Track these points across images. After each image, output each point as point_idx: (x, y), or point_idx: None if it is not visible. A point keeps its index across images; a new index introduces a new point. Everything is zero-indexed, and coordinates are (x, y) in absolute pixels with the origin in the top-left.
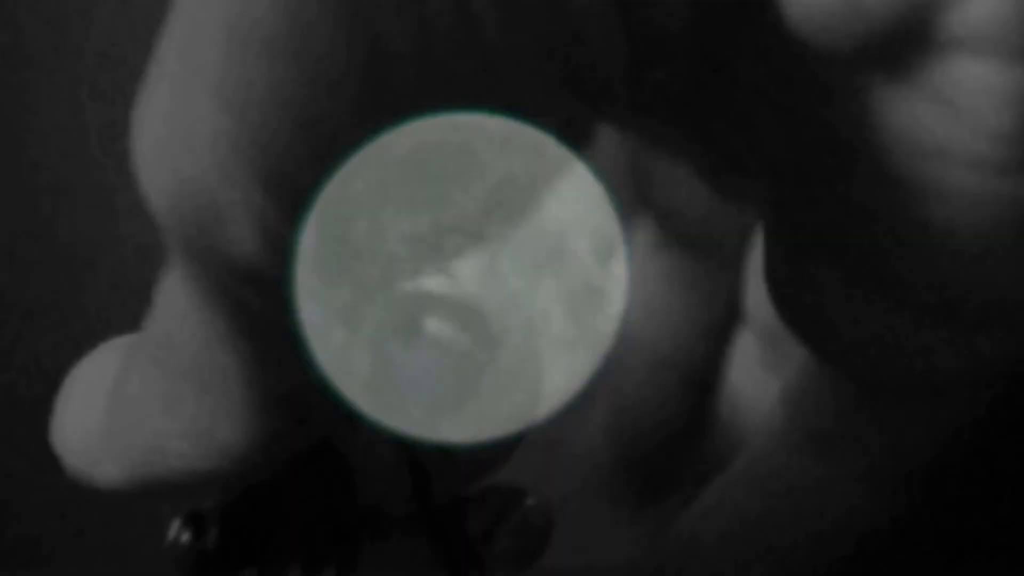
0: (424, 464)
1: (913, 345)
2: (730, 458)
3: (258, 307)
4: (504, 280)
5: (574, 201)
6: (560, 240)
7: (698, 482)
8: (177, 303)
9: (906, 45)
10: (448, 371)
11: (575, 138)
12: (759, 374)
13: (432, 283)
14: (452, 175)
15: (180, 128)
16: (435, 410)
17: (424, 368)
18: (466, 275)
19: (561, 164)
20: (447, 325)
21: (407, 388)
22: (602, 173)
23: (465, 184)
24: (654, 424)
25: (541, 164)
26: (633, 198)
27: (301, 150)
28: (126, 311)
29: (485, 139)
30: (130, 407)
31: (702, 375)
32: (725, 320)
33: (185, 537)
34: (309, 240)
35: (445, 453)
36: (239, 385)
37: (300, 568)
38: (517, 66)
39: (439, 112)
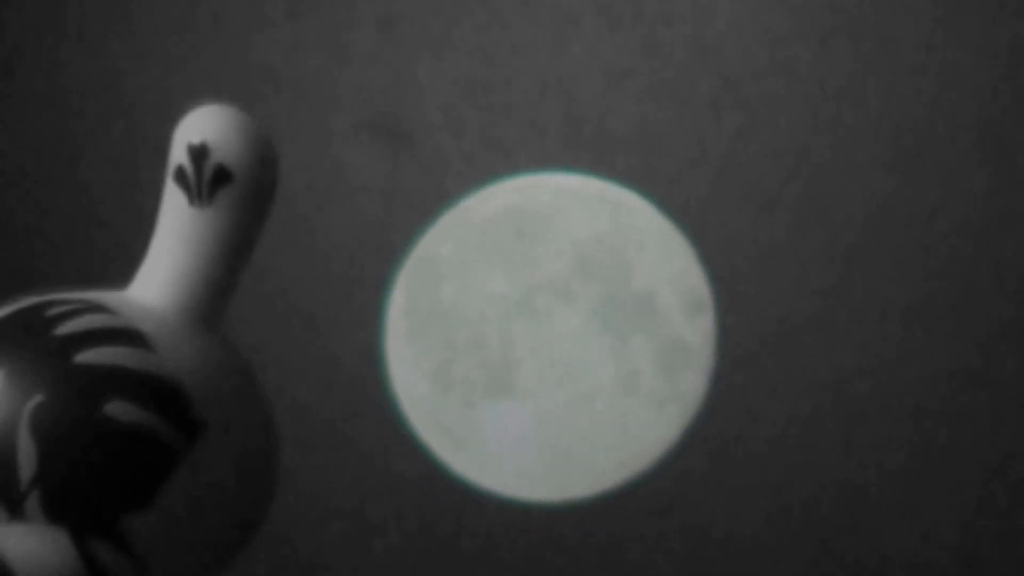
0: None
1: None
2: None
3: None
4: (595, 338)
5: (662, 258)
6: (649, 297)
7: None
8: None
9: None
10: (538, 428)
11: None
12: None
13: (521, 343)
14: (540, 235)
15: None
16: (526, 467)
17: (515, 426)
18: (556, 334)
19: (648, 222)
20: (534, 384)
21: (498, 446)
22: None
23: (554, 243)
24: None
25: (629, 222)
26: None
27: None
28: None
29: (572, 198)
30: None
31: None
32: None
33: None
34: (398, 304)
35: None
36: None
37: None
38: None
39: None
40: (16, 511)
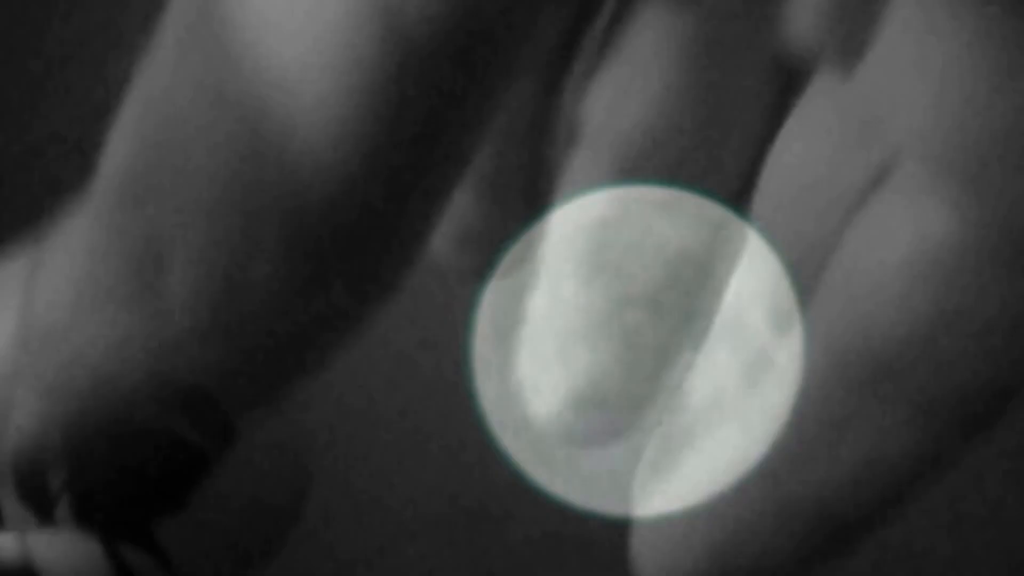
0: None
1: None
2: None
3: None
4: (681, 354)
5: (749, 272)
6: (736, 312)
7: None
8: None
9: None
10: (626, 444)
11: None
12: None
13: (609, 357)
14: (629, 248)
15: None
16: (613, 483)
17: (602, 441)
18: (644, 348)
19: (736, 235)
20: (624, 399)
21: (586, 461)
22: None
23: (642, 257)
24: None
25: (716, 235)
26: None
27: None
28: None
29: (661, 211)
30: (49, 311)
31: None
32: None
33: None
34: (486, 315)
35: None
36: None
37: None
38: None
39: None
40: (47, 517)
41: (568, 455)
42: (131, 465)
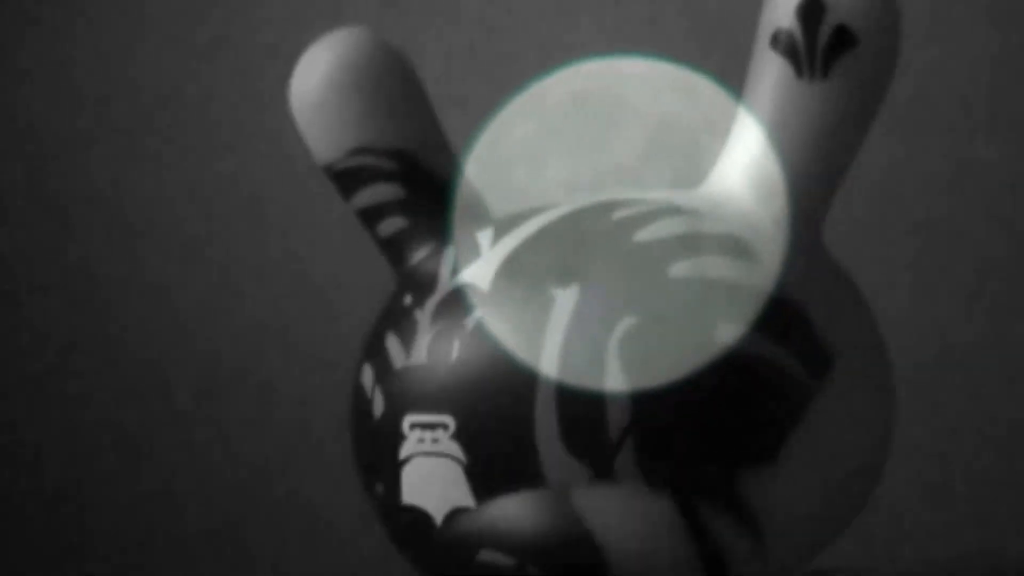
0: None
1: None
2: None
3: None
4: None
5: (733, 141)
6: (720, 181)
7: None
8: None
9: None
10: (609, 313)
11: None
12: None
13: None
14: (609, 121)
15: None
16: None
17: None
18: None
19: (717, 105)
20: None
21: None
22: None
23: (622, 129)
24: None
25: (698, 106)
26: None
27: None
28: None
29: (641, 84)
30: None
31: None
32: None
33: None
34: (468, 184)
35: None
36: None
37: None
38: None
39: None
40: (604, 469)
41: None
42: (713, 402)
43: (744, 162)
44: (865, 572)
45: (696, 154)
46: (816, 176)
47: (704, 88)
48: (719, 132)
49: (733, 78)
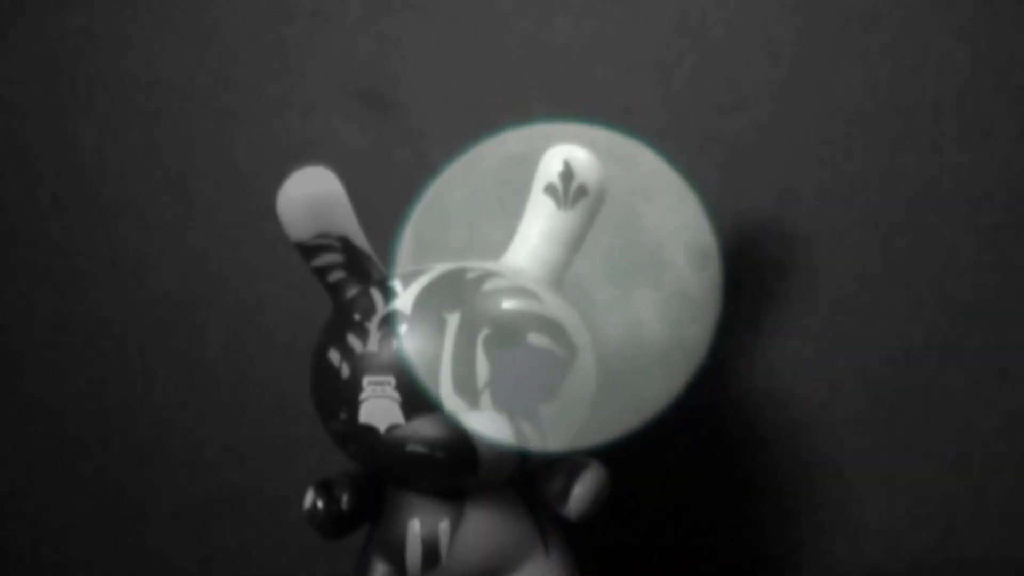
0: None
1: None
2: None
3: None
4: (601, 288)
5: (670, 211)
6: (657, 250)
7: None
8: None
9: None
10: (545, 376)
11: None
12: None
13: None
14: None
15: None
16: (536, 413)
17: (523, 373)
18: (564, 282)
19: (657, 175)
20: (541, 337)
21: (505, 391)
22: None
23: None
24: None
25: (637, 175)
26: None
27: None
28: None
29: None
30: None
31: None
32: None
33: (320, 503)
34: (407, 244)
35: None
36: None
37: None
38: None
39: None
40: (475, 403)
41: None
42: (526, 369)
43: (524, 249)
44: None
45: (631, 218)
46: (556, 260)
47: (641, 155)
48: (653, 197)
49: (706, 84)
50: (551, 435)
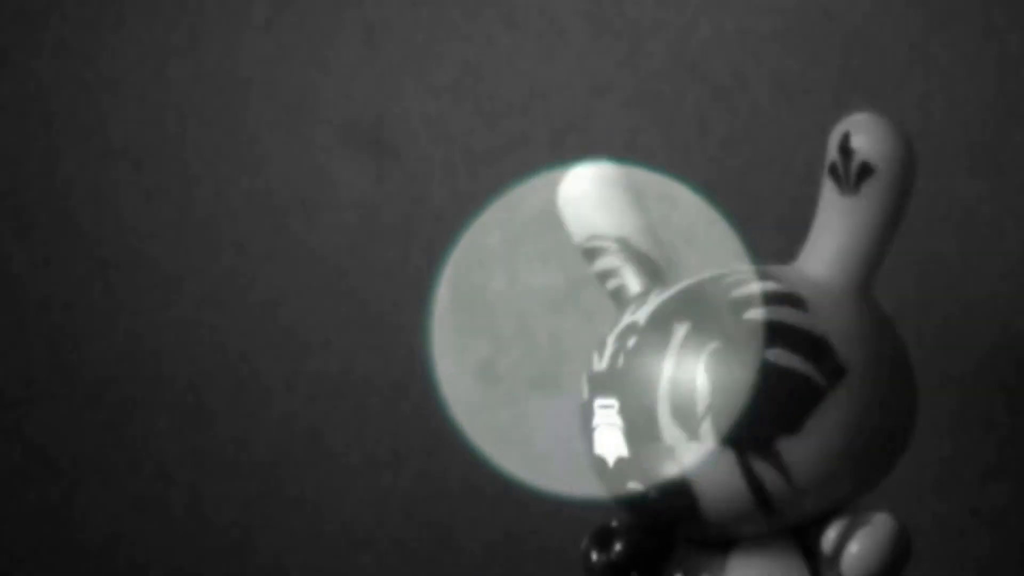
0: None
1: None
2: None
3: None
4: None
5: (711, 251)
6: (698, 291)
7: None
8: None
9: None
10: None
11: None
12: None
13: (570, 336)
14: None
15: None
16: (573, 463)
17: (563, 421)
18: (601, 326)
19: (697, 214)
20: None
21: (545, 441)
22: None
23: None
24: None
25: (677, 215)
26: None
27: None
28: None
29: (620, 191)
30: None
31: None
32: None
33: (595, 549)
34: (444, 295)
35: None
36: None
37: None
38: None
39: None
40: (694, 433)
41: (529, 436)
42: (761, 395)
43: (811, 247)
44: None
45: (675, 261)
46: (856, 257)
47: (683, 196)
48: (695, 240)
49: (711, 116)
50: (802, 484)
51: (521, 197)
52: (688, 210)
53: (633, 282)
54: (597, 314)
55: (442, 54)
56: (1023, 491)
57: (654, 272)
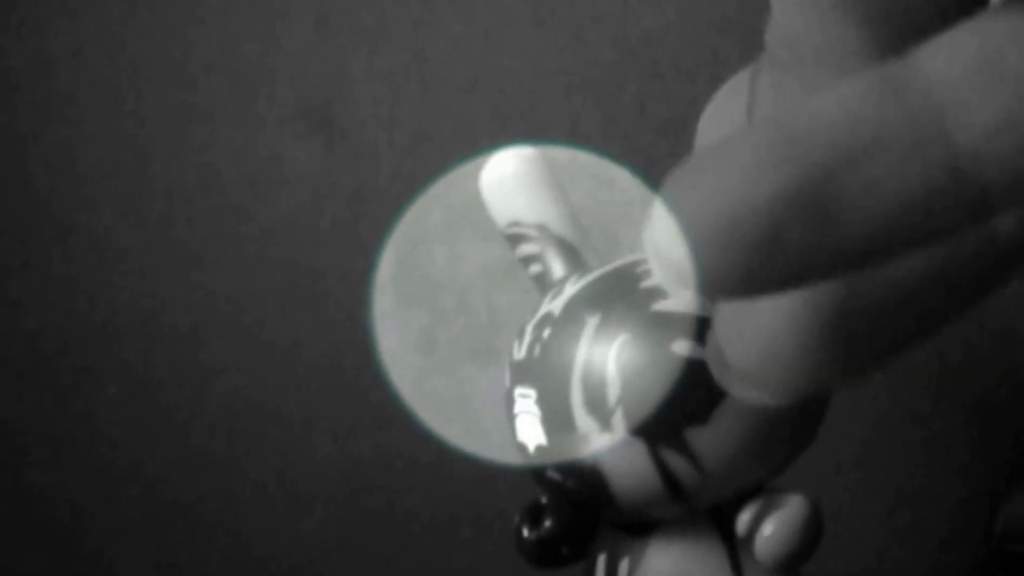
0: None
1: None
2: None
3: None
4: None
5: (648, 231)
6: (610, 281)
7: None
8: None
9: None
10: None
11: None
12: None
13: (509, 309)
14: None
15: None
16: (508, 431)
17: (499, 390)
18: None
19: (635, 194)
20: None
21: (482, 410)
22: None
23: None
24: None
25: (616, 194)
26: None
27: None
28: None
29: (560, 170)
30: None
31: None
32: None
33: (526, 525)
34: (387, 266)
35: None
36: None
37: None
38: None
39: None
40: (606, 424)
41: (461, 403)
42: (669, 386)
43: None
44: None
45: (613, 244)
46: None
47: (621, 178)
48: (633, 221)
49: (654, 104)
50: (712, 471)
51: (464, 176)
52: (626, 192)
53: (555, 267)
54: (534, 290)
55: (391, 38)
56: (946, 471)
57: (575, 258)
